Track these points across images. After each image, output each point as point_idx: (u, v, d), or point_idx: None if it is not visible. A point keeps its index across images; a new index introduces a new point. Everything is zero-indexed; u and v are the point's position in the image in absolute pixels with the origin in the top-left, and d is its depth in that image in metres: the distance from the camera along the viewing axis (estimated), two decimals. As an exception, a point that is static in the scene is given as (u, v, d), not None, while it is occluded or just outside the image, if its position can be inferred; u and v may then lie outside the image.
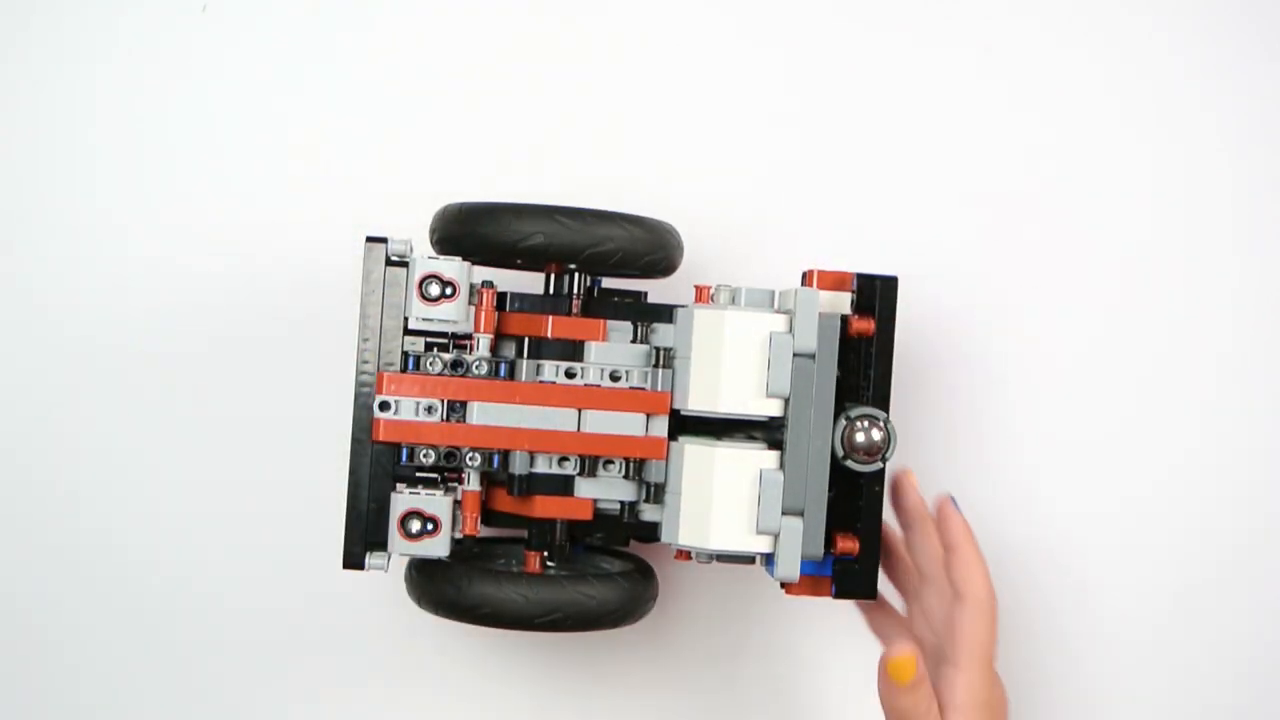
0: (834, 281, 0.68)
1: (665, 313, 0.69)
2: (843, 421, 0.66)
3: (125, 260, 0.79)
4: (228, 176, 0.79)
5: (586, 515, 0.68)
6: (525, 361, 0.67)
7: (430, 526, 0.66)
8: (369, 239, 0.66)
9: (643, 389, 0.68)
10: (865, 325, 0.67)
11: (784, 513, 0.66)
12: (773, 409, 0.66)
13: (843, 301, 0.68)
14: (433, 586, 0.67)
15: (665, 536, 0.68)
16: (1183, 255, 0.82)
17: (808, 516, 0.66)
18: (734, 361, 0.65)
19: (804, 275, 0.69)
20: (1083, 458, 0.81)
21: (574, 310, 0.69)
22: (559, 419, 0.66)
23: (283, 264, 0.79)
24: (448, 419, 0.66)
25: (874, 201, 0.81)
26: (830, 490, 0.67)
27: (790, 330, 0.65)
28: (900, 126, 0.81)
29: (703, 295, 0.68)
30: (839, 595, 0.68)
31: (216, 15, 0.79)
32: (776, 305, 0.68)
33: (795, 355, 0.65)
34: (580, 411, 0.66)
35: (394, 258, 0.66)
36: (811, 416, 0.66)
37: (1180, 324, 0.82)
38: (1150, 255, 0.82)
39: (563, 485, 0.68)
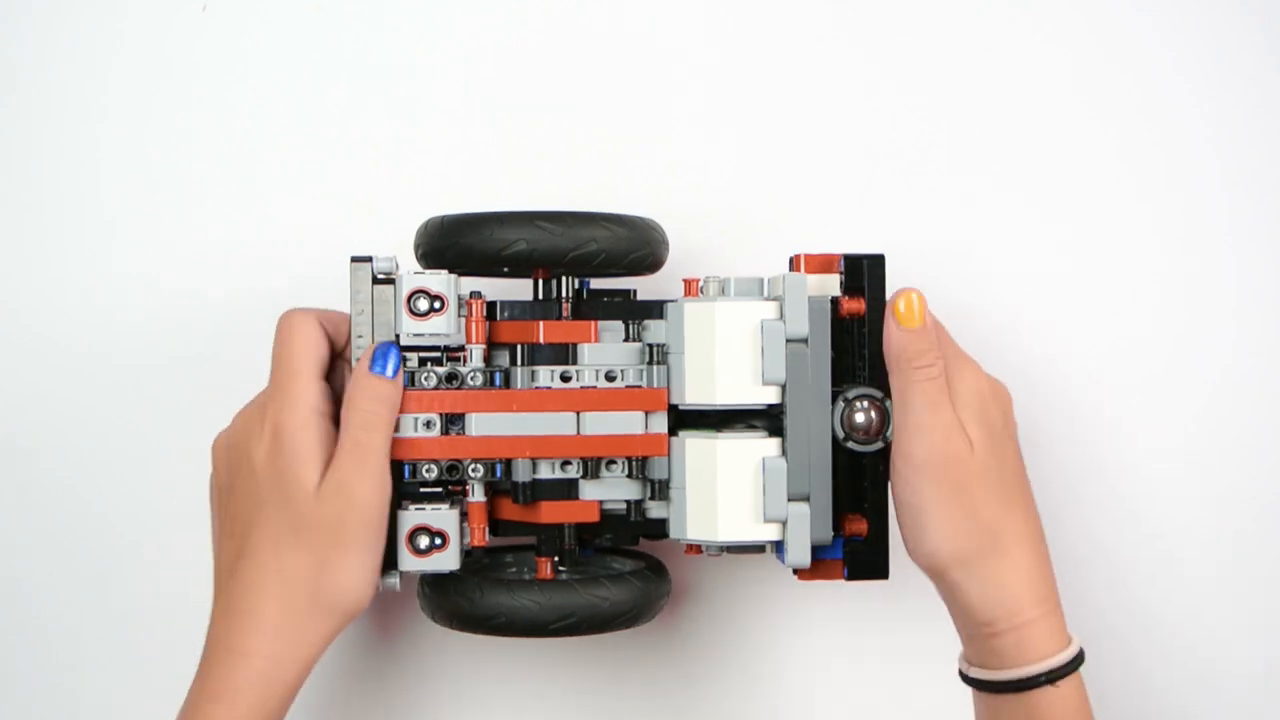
0: (821, 264, 0.68)
1: (655, 309, 0.69)
2: (841, 404, 0.66)
3: (125, 263, 0.79)
4: (227, 178, 0.79)
5: (593, 518, 0.68)
6: (520, 369, 0.67)
7: (439, 541, 0.65)
8: (353, 259, 0.66)
9: (639, 387, 0.67)
10: (856, 305, 0.67)
11: (790, 499, 0.65)
12: (770, 396, 0.66)
13: (831, 284, 0.68)
14: (446, 600, 0.67)
15: (674, 532, 0.68)
16: (1177, 233, 0.82)
17: (814, 501, 0.66)
18: (727, 352, 0.65)
19: (791, 260, 0.69)
20: (1082, 426, 0.81)
21: (564, 313, 0.68)
22: (558, 423, 0.66)
23: (284, 268, 0.79)
24: (447, 432, 0.66)
25: (859, 186, 0.81)
26: (834, 473, 0.67)
27: (781, 316, 0.65)
28: (883, 111, 0.81)
29: (692, 289, 0.68)
30: (851, 577, 0.68)
31: (216, 15, 0.79)
32: (766, 293, 0.67)
33: (788, 341, 0.65)
34: (579, 414, 0.66)
35: (380, 275, 0.66)
36: (809, 401, 0.66)
37: (1177, 305, 0.82)
38: (1142, 228, 0.82)
39: (567, 489, 0.67)
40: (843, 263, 0.67)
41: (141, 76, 0.78)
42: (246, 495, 0.62)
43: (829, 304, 0.66)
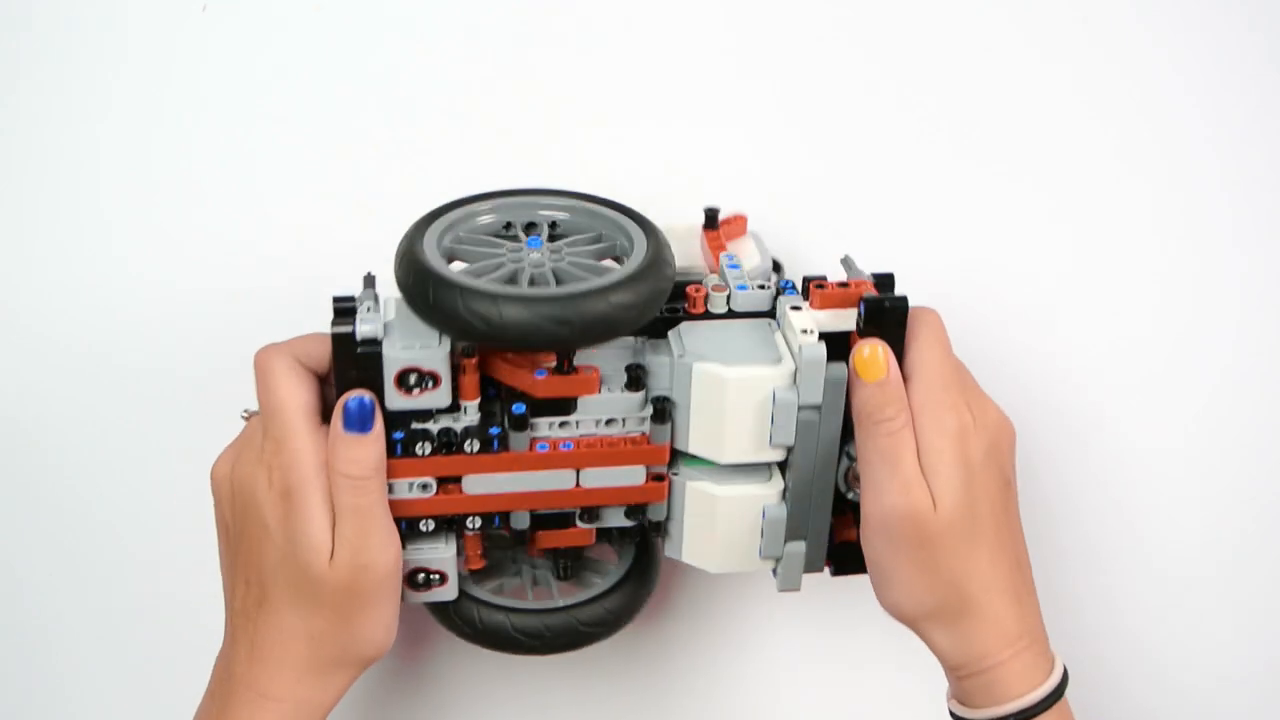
0: (838, 299, 0.64)
1: (660, 327, 0.65)
2: (845, 460, 0.65)
3: (125, 263, 0.78)
4: (227, 178, 0.78)
5: (589, 542, 0.67)
6: (517, 435, 0.62)
7: (437, 579, 0.65)
8: (336, 300, 0.60)
9: (640, 434, 0.64)
10: None
11: (787, 540, 0.65)
12: (777, 455, 0.64)
13: (847, 318, 0.64)
14: (446, 619, 0.68)
15: (669, 551, 0.68)
16: (1177, 233, 0.82)
17: (810, 539, 0.66)
18: (736, 417, 0.62)
19: (805, 285, 0.65)
20: (1081, 427, 0.81)
21: (565, 367, 0.63)
22: (557, 478, 0.63)
23: (284, 268, 0.78)
24: (443, 486, 0.63)
25: (859, 186, 0.81)
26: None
27: (794, 384, 0.62)
28: (883, 111, 0.80)
29: (697, 302, 0.65)
30: (836, 573, 0.68)
31: (216, 15, 0.78)
32: (773, 307, 0.65)
33: (800, 408, 0.62)
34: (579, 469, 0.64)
35: (364, 341, 0.59)
36: (816, 459, 0.64)
37: (1177, 305, 0.82)
38: (1143, 228, 0.81)
39: (563, 521, 0.66)
40: (862, 306, 0.63)
41: (141, 77, 0.77)
42: (260, 549, 0.62)
43: (845, 378, 0.63)
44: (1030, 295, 0.81)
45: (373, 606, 0.61)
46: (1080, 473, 0.81)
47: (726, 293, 0.65)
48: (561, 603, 0.67)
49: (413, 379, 0.59)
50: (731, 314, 0.66)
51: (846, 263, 0.67)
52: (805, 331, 0.62)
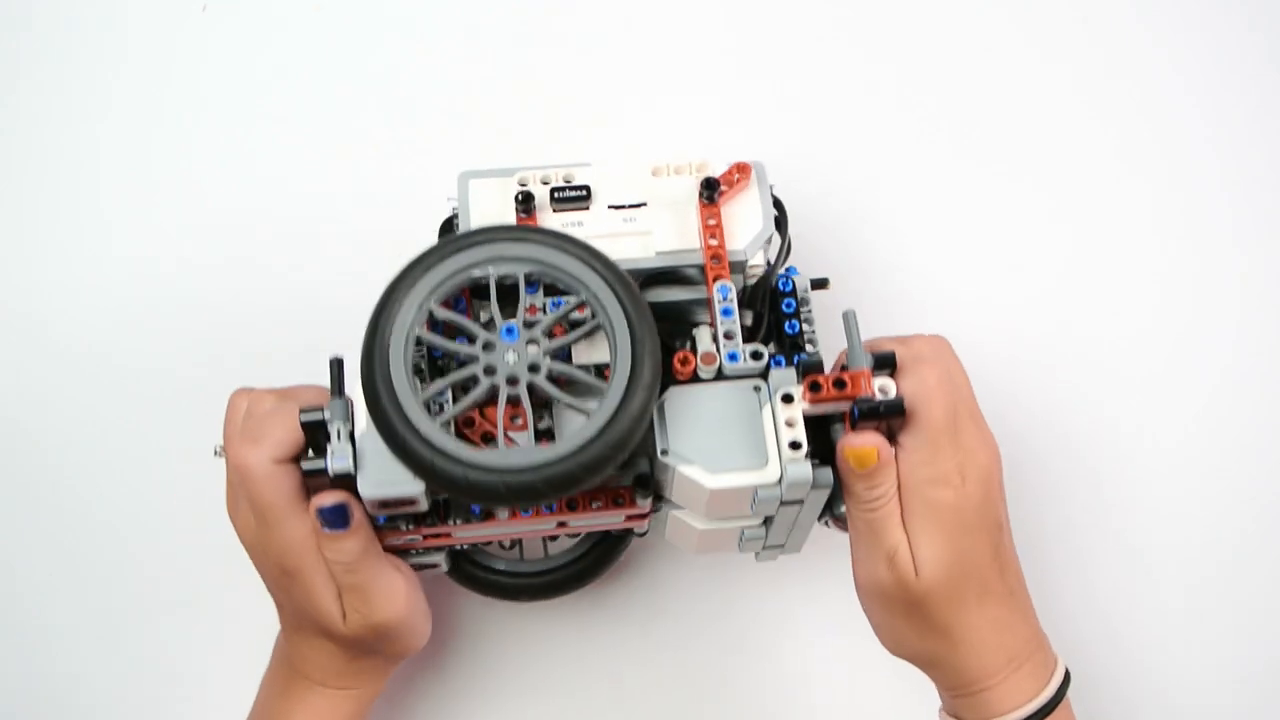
0: (833, 400, 0.60)
1: None
2: (827, 515, 0.65)
3: (125, 263, 0.78)
4: (227, 178, 0.78)
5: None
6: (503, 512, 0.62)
7: (432, 565, 0.66)
8: (303, 413, 0.58)
9: (623, 488, 0.62)
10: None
11: (766, 547, 0.66)
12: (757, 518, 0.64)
13: (841, 403, 0.60)
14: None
15: (653, 530, 0.67)
16: (1177, 233, 0.81)
17: (789, 544, 0.67)
18: (718, 503, 0.62)
19: (799, 370, 0.61)
20: (1080, 426, 0.81)
21: None
22: (540, 525, 0.63)
23: (284, 268, 0.78)
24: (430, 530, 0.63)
25: (858, 183, 0.80)
26: None
27: (778, 485, 0.60)
28: (884, 110, 0.81)
29: (684, 373, 0.61)
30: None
31: (216, 15, 0.78)
32: (765, 369, 0.62)
33: (783, 502, 0.61)
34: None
35: (337, 475, 0.57)
36: (797, 520, 0.64)
37: (1177, 305, 0.81)
38: (1142, 228, 0.81)
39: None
40: (855, 410, 0.60)
41: (141, 77, 0.78)
42: (279, 590, 0.64)
43: (831, 479, 0.61)
44: (1029, 295, 0.81)
45: (396, 639, 0.64)
46: (1079, 473, 0.81)
47: (716, 364, 0.62)
48: (548, 565, 0.70)
49: (391, 503, 0.59)
50: (721, 376, 0.63)
51: (847, 321, 0.62)
52: (794, 446, 0.60)
